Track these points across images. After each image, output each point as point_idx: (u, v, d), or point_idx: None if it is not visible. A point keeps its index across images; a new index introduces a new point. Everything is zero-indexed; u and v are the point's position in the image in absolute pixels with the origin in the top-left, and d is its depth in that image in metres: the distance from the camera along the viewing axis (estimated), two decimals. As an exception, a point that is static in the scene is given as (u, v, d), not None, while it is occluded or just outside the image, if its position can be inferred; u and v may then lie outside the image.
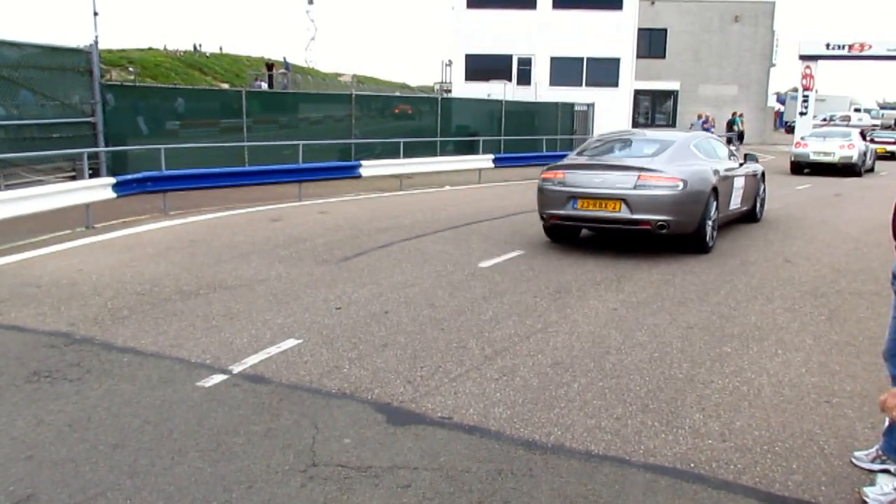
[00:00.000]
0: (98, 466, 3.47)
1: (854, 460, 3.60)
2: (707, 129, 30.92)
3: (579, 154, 9.94)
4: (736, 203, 10.38)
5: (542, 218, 9.34)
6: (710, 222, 8.97)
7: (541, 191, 9.23)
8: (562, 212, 8.90)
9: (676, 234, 8.62)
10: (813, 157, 22.01)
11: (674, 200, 8.40)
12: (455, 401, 4.30)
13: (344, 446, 3.69)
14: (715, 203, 9.13)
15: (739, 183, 10.41)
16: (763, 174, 12.06)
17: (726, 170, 9.86)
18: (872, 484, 3.36)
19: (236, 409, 4.13)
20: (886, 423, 3.45)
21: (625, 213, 8.47)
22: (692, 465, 3.56)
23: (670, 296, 6.90)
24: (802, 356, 5.21)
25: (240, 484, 3.32)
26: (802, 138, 23.95)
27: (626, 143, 10.13)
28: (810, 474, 3.48)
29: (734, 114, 34.73)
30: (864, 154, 22.59)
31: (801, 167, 22.42)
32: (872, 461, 3.54)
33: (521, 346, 5.32)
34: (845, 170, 21.60)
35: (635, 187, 8.45)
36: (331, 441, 3.73)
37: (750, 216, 11.51)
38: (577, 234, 9.69)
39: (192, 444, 3.71)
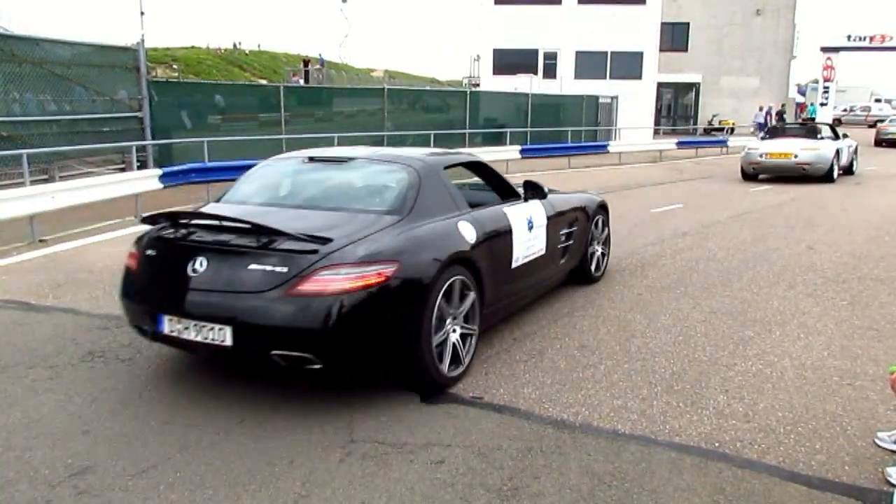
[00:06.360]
0: (149, 441, 3.60)
1: (877, 441, 3.62)
2: (769, 113, 33.85)
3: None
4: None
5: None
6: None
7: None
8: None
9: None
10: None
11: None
12: (486, 381, 4.41)
13: (380, 424, 3.79)
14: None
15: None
16: None
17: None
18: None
19: (277, 389, 4.25)
20: None
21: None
22: (717, 444, 3.60)
23: (694, 282, 6.96)
24: (824, 340, 5.24)
25: (282, 459, 3.43)
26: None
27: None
28: (834, 454, 3.50)
29: (782, 105, 38.52)
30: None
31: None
32: (895, 442, 3.57)
33: (549, 330, 5.42)
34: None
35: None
36: (368, 419, 3.83)
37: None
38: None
39: (237, 421, 3.85)
